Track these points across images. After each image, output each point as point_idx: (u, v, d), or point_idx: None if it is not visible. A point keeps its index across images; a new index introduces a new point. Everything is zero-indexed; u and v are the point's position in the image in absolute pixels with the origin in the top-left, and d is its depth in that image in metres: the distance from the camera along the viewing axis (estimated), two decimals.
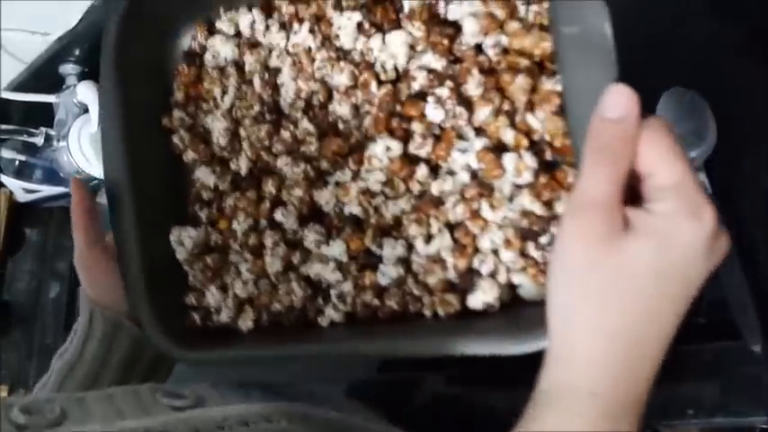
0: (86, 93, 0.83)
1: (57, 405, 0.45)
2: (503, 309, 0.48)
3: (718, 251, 0.36)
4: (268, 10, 0.60)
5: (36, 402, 0.45)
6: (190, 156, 0.64)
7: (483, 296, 0.48)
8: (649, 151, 0.36)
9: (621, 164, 0.36)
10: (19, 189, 1.01)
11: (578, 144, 0.40)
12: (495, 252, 0.48)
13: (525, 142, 0.47)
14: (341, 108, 0.55)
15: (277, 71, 0.59)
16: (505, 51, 0.49)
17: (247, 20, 0.60)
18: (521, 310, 0.48)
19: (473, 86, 0.49)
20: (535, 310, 0.44)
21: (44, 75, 0.90)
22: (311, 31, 0.56)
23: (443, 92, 0.50)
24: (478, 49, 0.50)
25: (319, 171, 0.56)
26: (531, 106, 0.47)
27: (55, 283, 1.09)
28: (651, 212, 0.36)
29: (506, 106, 0.48)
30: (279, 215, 0.57)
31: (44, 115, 0.91)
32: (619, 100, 0.36)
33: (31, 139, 0.89)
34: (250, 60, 0.59)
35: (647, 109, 0.37)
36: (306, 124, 0.56)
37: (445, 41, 0.50)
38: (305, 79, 0.56)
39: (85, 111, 0.86)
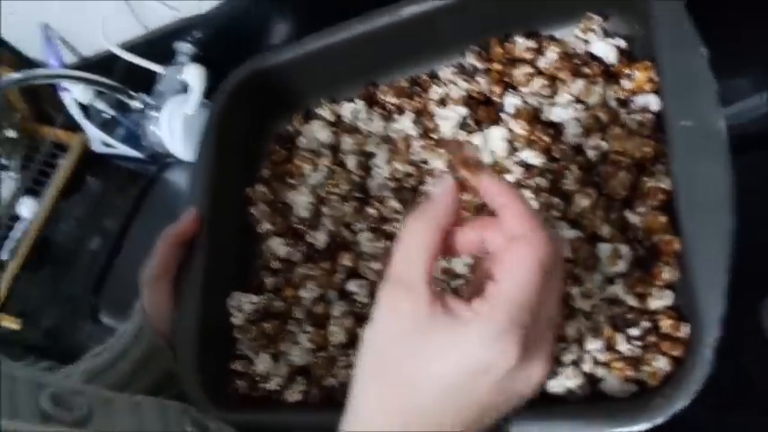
0: (193, 75, 0.86)
1: (85, 403, 0.42)
2: (585, 397, 0.46)
3: (525, 381, 0.35)
4: (369, 101, 0.64)
5: (67, 393, 0.42)
6: (264, 227, 0.65)
7: (566, 382, 0.46)
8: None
9: (432, 249, 0.36)
10: (98, 140, 1.05)
11: (687, 231, 0.41)
12: (580, 341, 0.47)
13: (621, 235, 0.48)
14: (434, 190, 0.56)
15: (370, 155, 0.62)
16: (605, 152, 0.51)
17: (350, 109, 0.64)
18: (603, 401, 0.45)
19: (571, 181, 0.51)
20: (619, 404, 0.43)
21: (157, 45, 0.94)
22: (413, 121, 0.60)
23: (542, 182, 0.51)
24: (578, 148, 0.53)
25: None
26: (629, 201, 0.49)
27: (97, 238, 1.09)
28: (465, 322, 0.34)
29: (604, 201, 0.50)
30: (352, 286, 0.57)
31: (142, 81, 0.93)
32: (444, 186, 0.38)
33: (129, 101, 0.92)
34: (348, 143, 0.62)
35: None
36: (394, 203, 0.58)
37: (546, 139, 0.53)
38: (400, 162, 0.59)
39: (185, 91, 0.89)
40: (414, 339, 0.35)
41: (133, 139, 1.04)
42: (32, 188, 1.14)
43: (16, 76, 0.89)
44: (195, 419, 0.47)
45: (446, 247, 0.37)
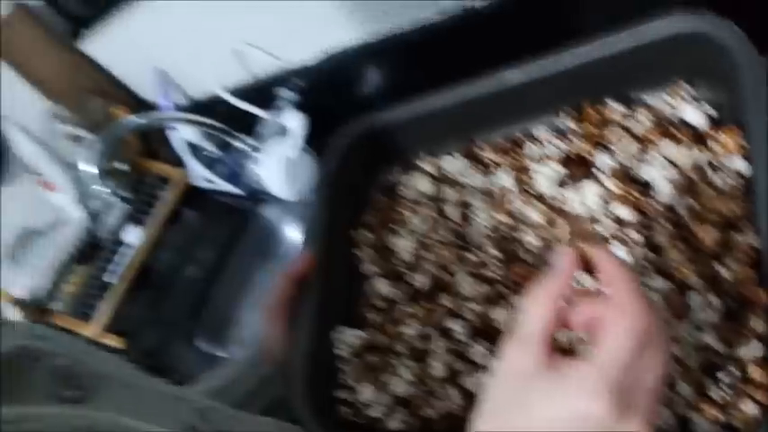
0: (294, 120, 0.95)
1: (221, 417, 0.49)
2: None
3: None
4: (469, 156, 0.70)
5: (204, 408, 0.49)
6: (369, 268, 0.71)
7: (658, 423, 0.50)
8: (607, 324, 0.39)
9: (550, 315, 0.41)
10: (200, 176, 1.15)
11: None
12: (672, 384, 0.51)
13: (711, 287, 0.52)
14: (531, 240, 0.61)
15: (469, 205, 0.67)
16: (695, 209, 0.55)
17: (450, 162, 0.70)
18: None
19: (662, 235, 0.55)
20: None
21: (260, 91, 1.03)
22: (510, 176, 0.65)
23: (634, 235, 0.56)
24: (668, 205, 0.57)
25: (499, 292, 0.61)
26: (719, 255, 0.53)
27: (194, 267, 1.17)
28: (567, 376, 0.39)
29: (694, 254, 0.54)
30: (452, 324, 0.62)
31: (244, 123, 1.02)
32: (564, 259, 0.43)
33: (233, 141, 1.00)
34: (449, 194, 0.68)
35: None
36: (493, 251, 0.63)
37: (638, 196, 0.58)
38: (498, 213, 0.64)
39: (284, 134, 0.97)
40: (523, 389, 0.40)
41: (233, 176, 1.13)
42: (137, 217, 1.24)
43: (141, 120, 0.99)
44: None
45: (562, 320, 0.42)
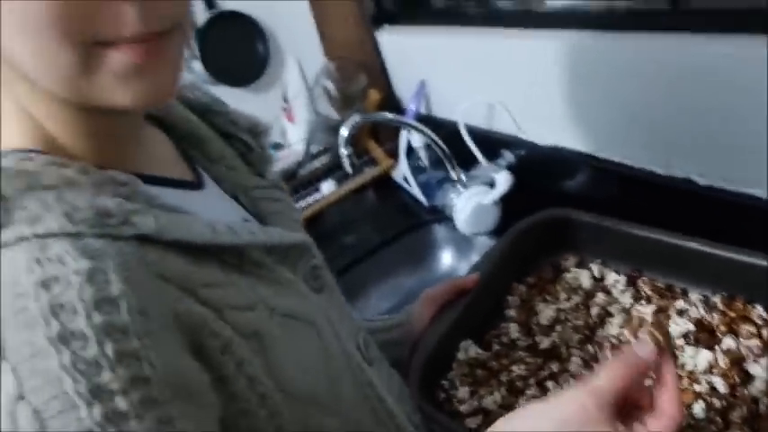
0: (504, 179, 1.17)
1: (374, 348, 0.68)
2: None
3: None
4: (630, 280, 0.87)
5: (367, 338, 0.68)
6: (510, 313, 0.89)
7: None
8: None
9: (622, 383, 0.48)
10: (403, 174, 1.42)
11: None
12: None
13: None
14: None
15: (610, 314, 0.84)
16: None
17: (614, 278, 0.87)
18: None
19: (737, 416, 0.70)
20: None
21: (488, 141, 1.25)
22: (653, 312, 0.82)
23: (716, 402, 0.71)
24: (755, 398, 0.71)
25: None
26: None
27: (350, 237, 1.38)
28: None
29: None
30: (549, 384, 0.79)
31: (462, 157, 1.24)
32: (646, 348, 0.52)
33: (450, 168, 1.23)
34: (600, 299, 0.85)
35: None
36: (608, 353, 0.80)
37: (737, 379, 0.73)
38: (627, 331, 0.81)
39: (490, 185, 1.18)
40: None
41: (428, 189, 1.35)
42: (337, 175, 1.49)
43: (389, 117, 1.24)
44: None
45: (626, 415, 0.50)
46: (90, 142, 0.47)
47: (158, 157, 0.55)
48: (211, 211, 0.53)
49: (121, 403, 0.36)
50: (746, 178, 0.85)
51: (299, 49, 1.58)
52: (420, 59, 1.39)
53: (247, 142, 0.64)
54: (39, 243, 0.38)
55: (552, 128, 1.12)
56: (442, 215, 1.29)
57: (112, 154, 0.49)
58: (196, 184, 0.57)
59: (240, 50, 1.55)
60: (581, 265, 0.92)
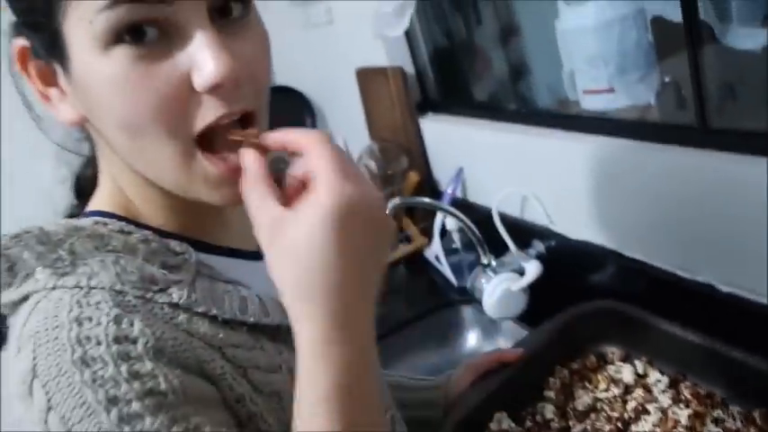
0: (533, 268, 1.20)
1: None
2: None
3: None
4: (673, 382, 0.89)
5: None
6: (548, 393, 0.92)
7: None
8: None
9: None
10: (435, 252, 1.46)
11: None
12: None
13: None
14: None
15: (647, 411, 0.87)
16: None
17: (657, 377, 0.90)
18: None
19: None
20: None
21: (520, 231, 1.30)
22: (688, 416, 0.85)
23: None
24: None
25: None
26: None
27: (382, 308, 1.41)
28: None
29: None
30: None
31: (493, 243, 1.27)
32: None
33: (481, 252, 1.26)
34: (638, 394, 0.89)
35: None
36: None
37: None
38: (661, 430, 0.84)
39: (519, 273, 1.22)
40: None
41: (458, 270, 1.40)
42: None
43: (425, 201, 1.31)
44: None
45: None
46: (166, 213, 0.55)
47: (232, 227, 0.61)
48: (269, 279, 0.59)
49: (135, 406, 0.42)
50: None
51: (346, 127, 1.67)
52: (459, 147, 1.47)
53: None
54: (86, 290, 0.46)
55: (582, 223, 1.18)
56: (470, 297, 1.33)
57: (188, 224, 0.56)
58: (260, 254, 0.63)
59: (289, 123, 1.64)
60: (626, 359, 0.95)
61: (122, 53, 0.44)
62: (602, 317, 0.98)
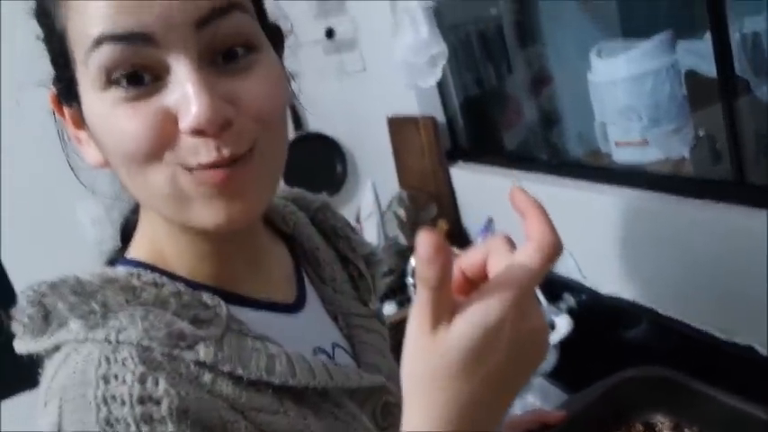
0: (563, 322, 1.19)
1: None
2: None
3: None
4: None
5: None
6: None
7: None
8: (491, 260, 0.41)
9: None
10: None
11: None
12: None
13: None
14: None
15: None
16: None
17: None
18: None
19: None
20: None
21: (554, 283, 1.28)
22: None
23: None
24: None
25: None
26: None
27: None
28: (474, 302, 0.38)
29: None
30: None
31: None
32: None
33: None
34: None
35: None
36: None
37: None
38: None
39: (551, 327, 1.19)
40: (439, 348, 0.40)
41: None
42: (400, 300, 1.53)
43: (457, 252, 1.29)
44: None
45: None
46: (196, 261, 0.54)
47: (266, 277, 0.59)
48: (302, 333, 0.58)
49: None
50: None
51: (376, 174, 1.67)
52: (489, 197, 1.46)
53: (361, 270, 0.69)
54: (114, 345, 0.46)
55: (614, 277, 1.15)
56: None
57: (220, 274, 0.55)
58: (294, 307, 0.61)
59: (320, 168, 1.66)
60: (676, 428, 0.91)
61: (116, 93, 0.45)
62: (650, 383, 0.94)
